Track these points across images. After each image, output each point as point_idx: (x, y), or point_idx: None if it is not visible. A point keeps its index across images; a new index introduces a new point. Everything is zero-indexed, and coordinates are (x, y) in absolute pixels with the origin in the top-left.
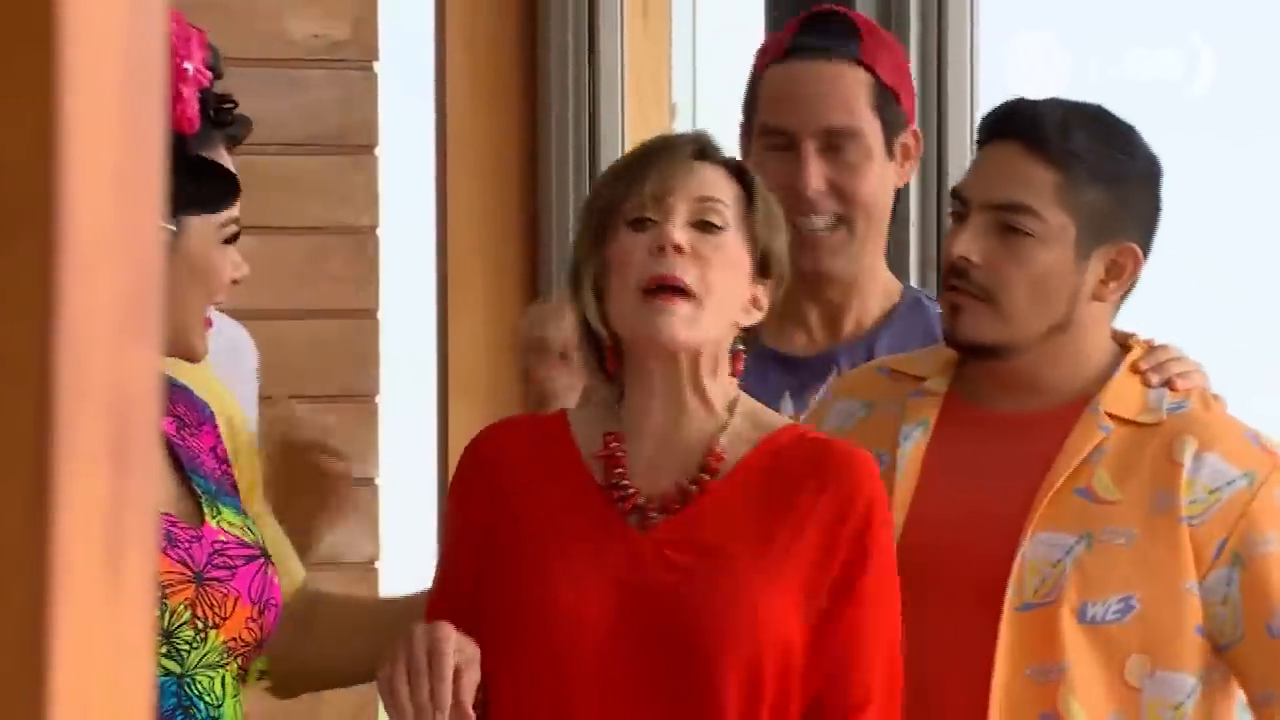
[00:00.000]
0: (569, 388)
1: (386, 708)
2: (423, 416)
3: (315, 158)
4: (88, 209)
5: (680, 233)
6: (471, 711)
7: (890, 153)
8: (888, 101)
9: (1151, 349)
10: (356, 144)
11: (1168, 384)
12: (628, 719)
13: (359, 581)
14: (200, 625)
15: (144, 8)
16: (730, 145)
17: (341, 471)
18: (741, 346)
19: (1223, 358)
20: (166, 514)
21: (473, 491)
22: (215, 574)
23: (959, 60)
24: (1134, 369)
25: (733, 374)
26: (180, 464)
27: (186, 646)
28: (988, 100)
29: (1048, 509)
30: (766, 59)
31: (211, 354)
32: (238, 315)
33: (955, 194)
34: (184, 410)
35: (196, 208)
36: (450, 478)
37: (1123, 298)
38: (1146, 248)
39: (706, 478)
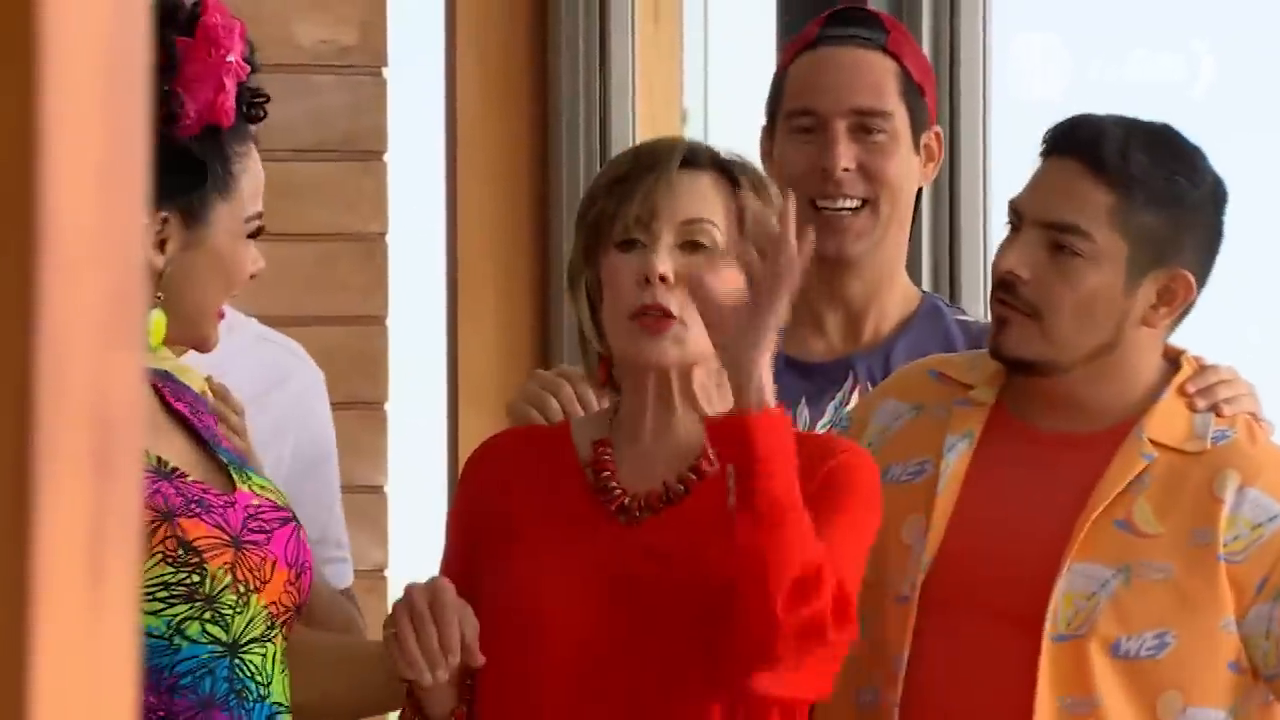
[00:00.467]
0: None
1: (397, 663)
2: (432, 424)
3: (324, 164)
4: (70, 209)
5: (666, 261)
6: (480, 655)
7: (916, 146)
8: (914, 94)
9: (1201, 369)
10: (365, 150)
11: (1214, 409)
12: (612, 709)
13: (368, 590)
14: (242, 589)
15: (126, 3)
16: (740, 149)
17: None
18: None
19: (1223, 358)
20: (198, 481)
21: (466, 500)
22: (252, 537)
23: (971, 63)
24: (1181, 391)
25: None
26: (202, 439)
27: (230, 612)
28: (994, 104)
29: (1086, 539)
30: (794, 51)
31: (255, 369)
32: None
33: (1012, 206)
34: (192, 398)
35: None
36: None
37: (1174, 324)
38: (1202, 275)
39: (694, 478)
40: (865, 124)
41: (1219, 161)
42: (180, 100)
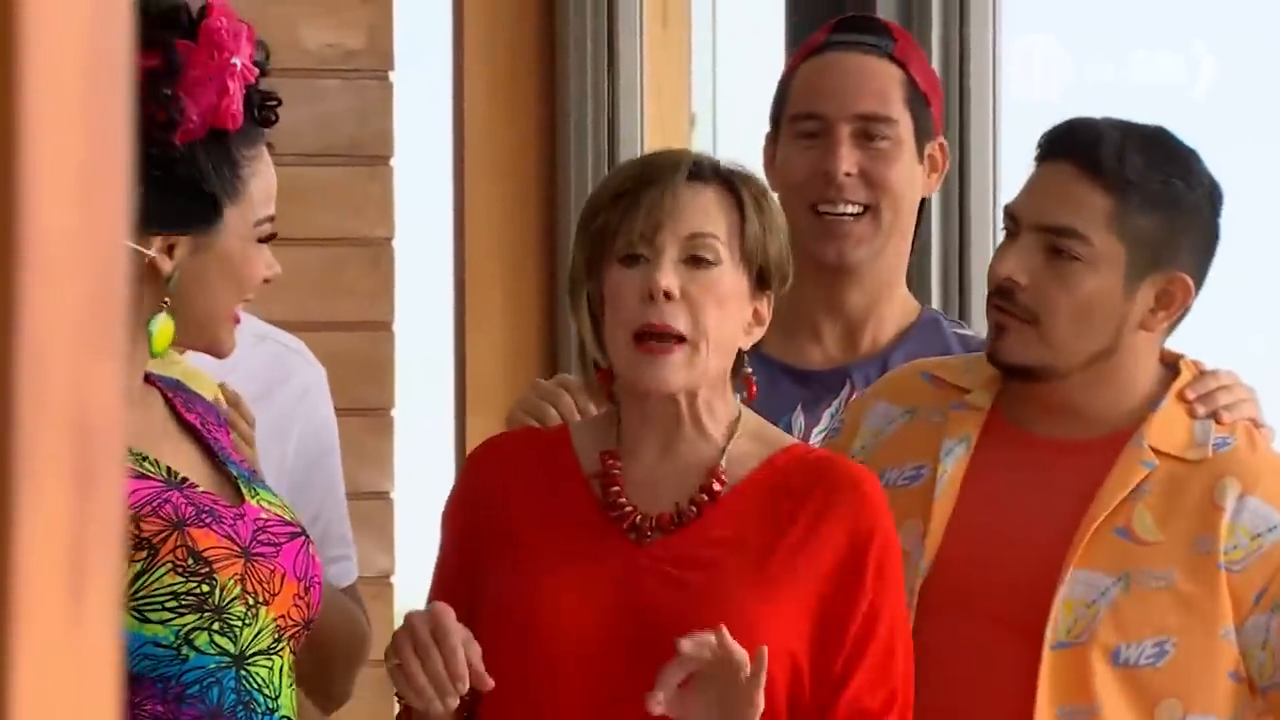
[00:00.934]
0: None
1: (403, 693)
2: (439, 429)
3: (330, 168)
4: (49, 215)
5: (670, 276)
6: (489, 678)
7: (920, 155)
8: (920, 103)
9: (1200, 374)
10: (372, 154)
11: (1214, 415)
12: None
13: (374, 597)
14: (251, 601)
15: (107, 5)
16: (748, 155)
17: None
18: (749, 370)
19: (1222, 359)
20: (208, 492)
21: (468, 498)
22: (261, 550)
23: (981, 74)
24: (1180, 397)
25: (748, 399)
26: (212, 452)
27: (239, 623)
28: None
29: (1086, 547)
30: (800, 57)
31: (256, 369)
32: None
33: (1008, 212)
34: (203, 409)
35: (179, 226)
36: None
37: (1171, 327)
38: (1199, 278)
39: (705, 498)
40: (869, 130)
41: (1219, 164)
42: (182, 104)
